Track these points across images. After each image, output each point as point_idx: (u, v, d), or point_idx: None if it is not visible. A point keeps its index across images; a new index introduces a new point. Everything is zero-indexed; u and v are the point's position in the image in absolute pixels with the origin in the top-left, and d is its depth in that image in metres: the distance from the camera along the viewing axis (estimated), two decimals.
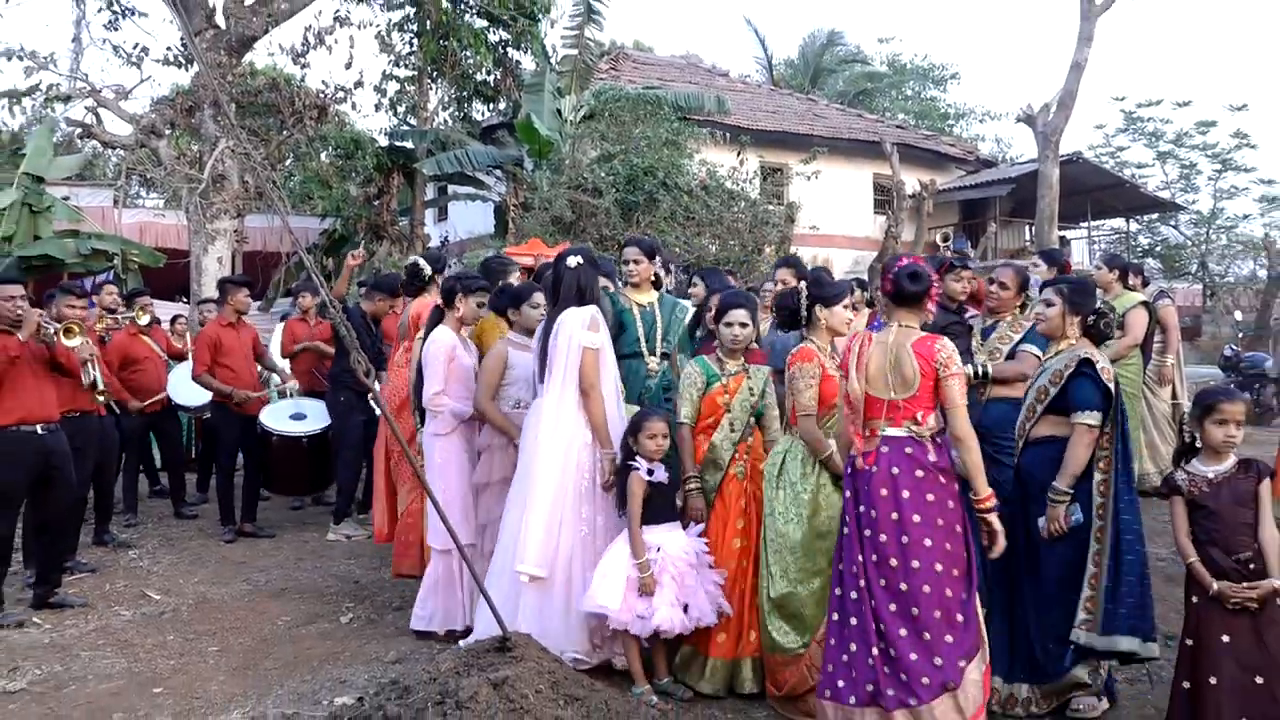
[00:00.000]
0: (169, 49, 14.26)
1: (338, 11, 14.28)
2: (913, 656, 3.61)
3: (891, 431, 3.81)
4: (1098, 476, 4.12)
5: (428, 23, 15.10)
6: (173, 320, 10.32)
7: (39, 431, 5.73)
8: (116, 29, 14.28)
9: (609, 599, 4.26)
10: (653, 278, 5.66)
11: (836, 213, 21.82)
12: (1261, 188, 32.43)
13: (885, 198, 21.47)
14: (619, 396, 4.87)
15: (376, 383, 7.49)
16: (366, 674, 4.79)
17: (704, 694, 4.44)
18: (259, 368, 8.15)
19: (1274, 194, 31.85)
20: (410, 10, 15.33)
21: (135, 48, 14.09)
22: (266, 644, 5.34)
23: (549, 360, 4.70)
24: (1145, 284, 8.14)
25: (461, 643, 4.65)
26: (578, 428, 4.66)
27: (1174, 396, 8.32)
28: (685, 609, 4.29)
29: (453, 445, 5.35)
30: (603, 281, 5.46)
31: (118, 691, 4.69)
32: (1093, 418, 4.09)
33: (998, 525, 3.75)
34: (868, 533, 3.78)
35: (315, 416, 7.90)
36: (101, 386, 6.44)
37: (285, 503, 8.81)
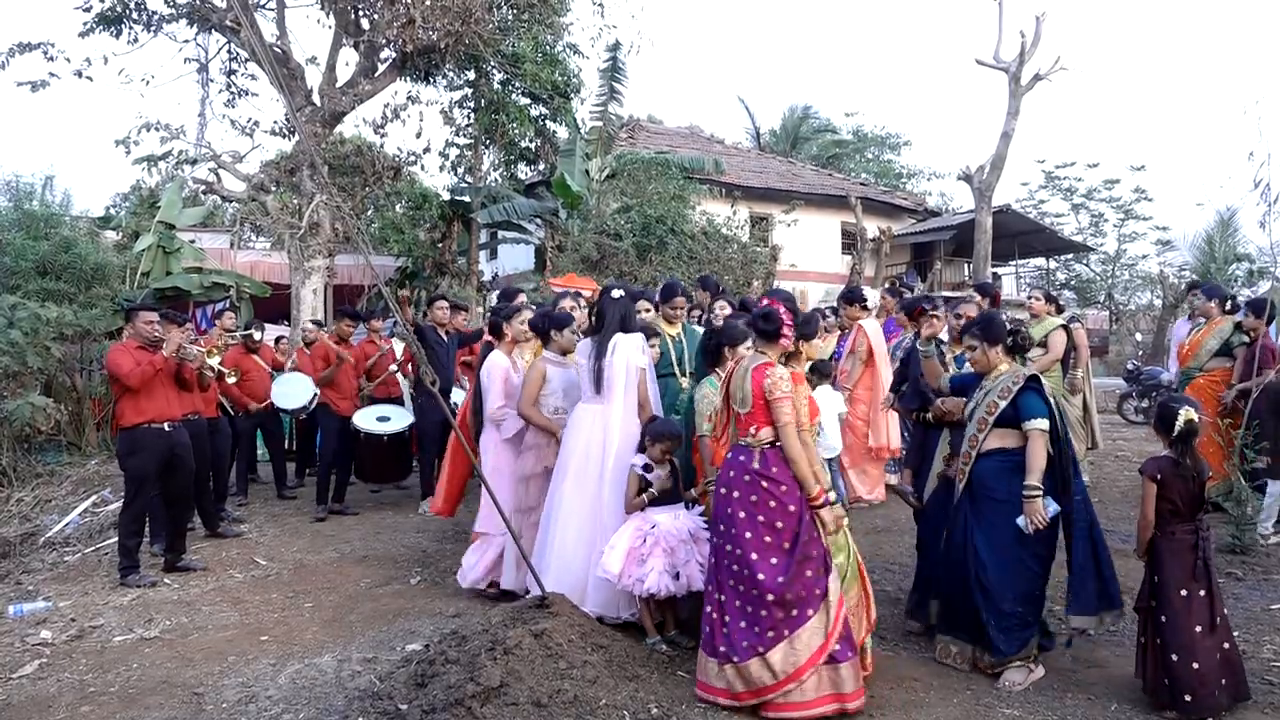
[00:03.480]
0: (275, 122, 14.38)
1: (410, 92, 14.34)
2: (741, 624, 3.66)
3: (739, 440, 3.81)
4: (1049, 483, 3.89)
5: (482, 100, 15.15)
6: (276, 340, 10.36)
7: (165, 428, 5.81)
8: (234, 106, 14.39)
9: (613, 565, 4.23)
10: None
11: (811, 254, 21.79)
12: (1157, 233, 32.28)
13: (851, 241, 21.45)
14: (658, 407, 4.85)
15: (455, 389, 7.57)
16: (431, 626, 4.79)
17: None
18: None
19: (1167, 238, 31.62)
20: (468, 91, 15.39)
21: (248, 121, 14.19)
22: (351, 601, 5.35)
23: (606, 376, 4.66)
24: (1060, 311, 8.08)
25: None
26: (635, 433, 4.63)
27: (1084, 403, 8.26)
28: (677, 576, 4.23)
29: (505, 447, 5.32)
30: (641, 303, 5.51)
31: (232, 639, 4.71)
32: (1044, 424, 3.86)
33: (827, 518, 3.69)
34: (719, 525, 3.82)
35: (397, 419, 7.93)
36: (230, 375, 7.04)
37: (367, 488, 8.75)
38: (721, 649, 3.67)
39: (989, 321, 4.20)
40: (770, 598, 3.61)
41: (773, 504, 3.68)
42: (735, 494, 3.75)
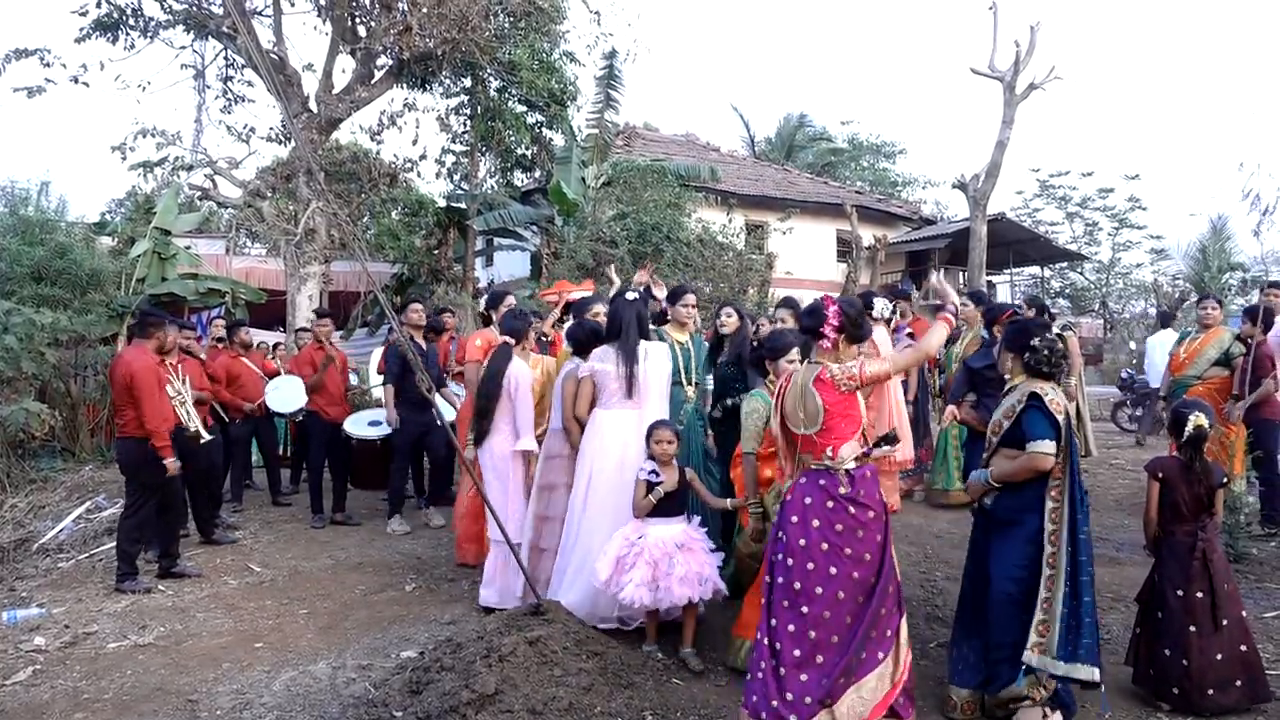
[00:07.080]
0: (271, 128, 14.46)
1: (407, 99, 14.37)
2: (802, 677, 3.24)
3: (813, 464, 3.44)
4: (1049, 505, 3.46)
5: (479, 108, 15.17)
6: (274, 346, 10.37)
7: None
8: (230, 112, 14.46)
9: (602, 571, 4.20)
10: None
11: (806, 261, 21.83)
12: (1151, 242, 32.36)
13: (846, 249, 21.46)
14: (663, 413, 4.77)
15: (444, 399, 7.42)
16: (427, 633, 4.79)
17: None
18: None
19: (1161, 247, 31.76)
20: (464, 98, 15.42)
21: (245, 127, 14.28)
22: (346, 608, 5.35)
23: (639, 382, 4.63)
24: (1052, 319, 8.06)
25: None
26: None
27: (1078, 411, 8.26)
28: (656, 588, 4.14)
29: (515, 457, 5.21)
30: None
31: (226, 645, 4.71)
32: (1047, 446, 3.43)
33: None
34: (778, 556, 3.42)
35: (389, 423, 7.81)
36: (194, 429, 6.29)
37: (366, 496, 8.64)
38: (774, 704, 3.22)
39: (1018, 327, 3.78)
40: (855, 642, 3.26)
41: (860, 534, 3.34)
42: (815, 523, 3.35)
